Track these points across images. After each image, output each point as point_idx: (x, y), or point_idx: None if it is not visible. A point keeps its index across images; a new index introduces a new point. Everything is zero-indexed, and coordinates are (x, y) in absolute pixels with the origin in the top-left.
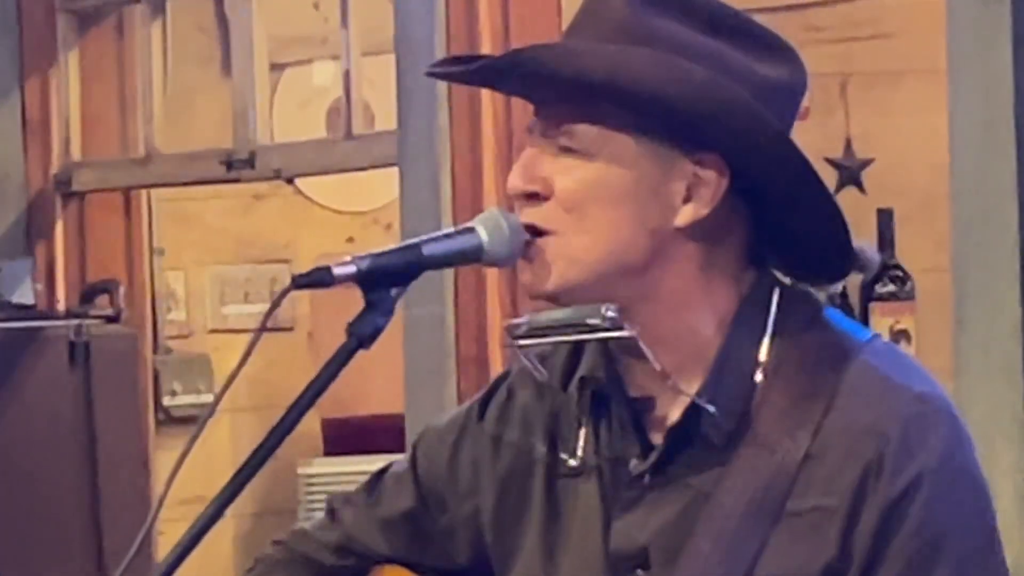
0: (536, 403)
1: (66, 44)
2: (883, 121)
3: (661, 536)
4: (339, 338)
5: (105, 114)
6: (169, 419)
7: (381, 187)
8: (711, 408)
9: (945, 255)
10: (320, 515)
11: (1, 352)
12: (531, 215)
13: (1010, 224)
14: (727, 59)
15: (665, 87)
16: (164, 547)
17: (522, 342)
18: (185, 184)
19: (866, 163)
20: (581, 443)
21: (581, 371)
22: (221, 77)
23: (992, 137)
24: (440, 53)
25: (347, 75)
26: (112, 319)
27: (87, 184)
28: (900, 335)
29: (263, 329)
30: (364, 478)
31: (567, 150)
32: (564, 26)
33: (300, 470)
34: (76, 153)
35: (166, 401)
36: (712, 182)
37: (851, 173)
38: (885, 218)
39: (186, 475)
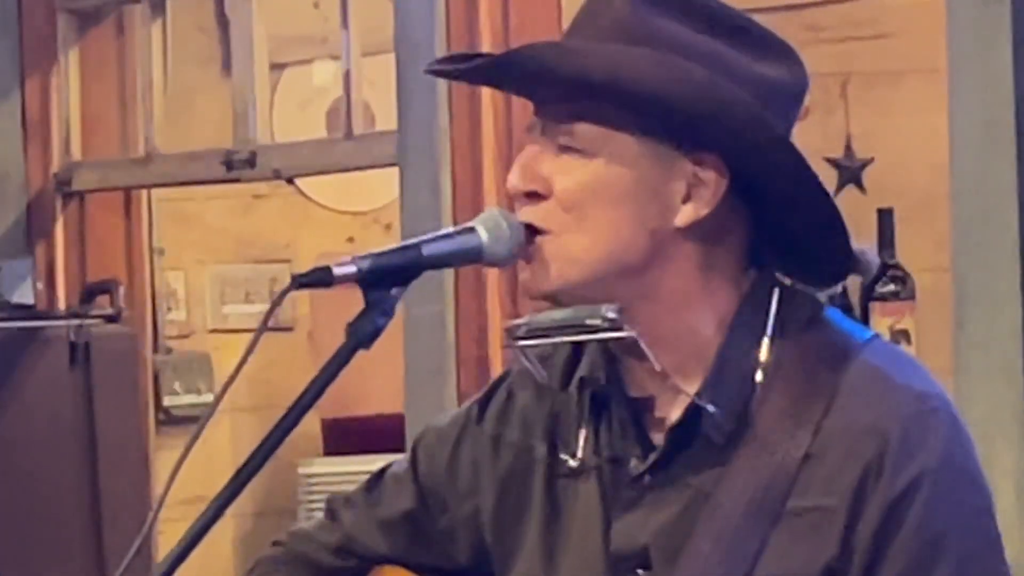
0: (536, 403)
1: (66, 44)
2: (883, 121)
3: (661, 536)
4: (339, 338)
5: (105, 114)
6: (169, 419)
7: (381, 187)
8: (711, 408)
9: (945, 255)
10: (320, 515)
11: (1, 352)
12: (530, 214)
13: (1010, 224)
14: (727, 59)
15: (665, 87)
16: (164, 547)
17: (522, 343)
18: (185, 184)
19: (866, 163)
20: (581, 443)
21: (581, 371)
22: (221, 77)
23: (992, 137)
24: (440, 53)
25: (347, 75)
26: (112, 319)
27: (87, 184)
28: (900, 335)
29: (263, 329)
30: (364, 478)
31: (567, 149)
32: (564, 26)
33: (300, 470)
34: (76, 153)
35: (166, 401)
36: (712, 182)
37: (851, 173)
38: (885, 218)
39: (186, 475)
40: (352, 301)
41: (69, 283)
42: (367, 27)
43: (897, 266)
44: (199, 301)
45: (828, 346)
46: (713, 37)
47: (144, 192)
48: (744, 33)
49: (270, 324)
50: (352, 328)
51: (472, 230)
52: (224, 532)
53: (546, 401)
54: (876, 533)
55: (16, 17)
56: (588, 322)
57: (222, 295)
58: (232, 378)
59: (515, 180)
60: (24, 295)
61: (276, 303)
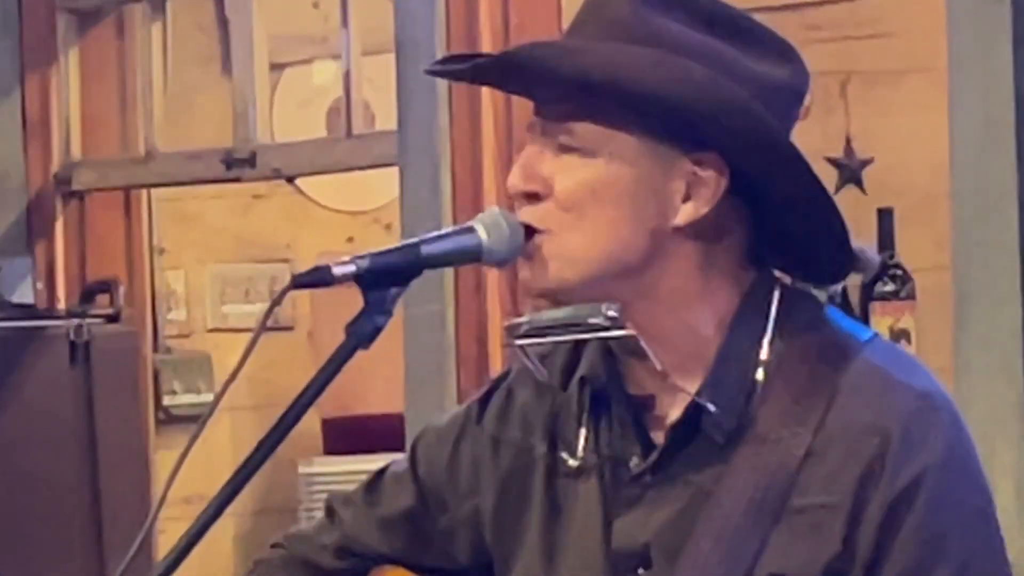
0: (536, 402)
1: (66, 44)
2: (883, 121)
3: (662, 535)
4: (339, 338)
5: (105, 114)
6: (169, 419)
7: (381, 187)
8: (712, 407)
9: (945, 255)
10: (320, 515)
11: (1, 352)
12: (530, 214)
13: (1010, 224)
14: (727, 58)
15: (665, 86)
16: (164, 547)
17: (522, 341)
18: (185, 183)
19: (866, 163)
20: (581, 442)
21: (581, 370)
22: (221, 77)
23: (992, 137)
24: (440, 53)
25: (347, 75)
26: (112, 318)
27: (87, 183)
28: (900, 335)
29: (263, 328)
30: (364, 478)
31: (567, 148)
32: (564, 26)
33: (300, 469)
34: (76, 152)
35: (166, 400)
36: (711, 181)
37: (851, 173)
38: (885, 218)
39: (186, 474)
40: (352, 301)
41: (69, 283)
42: (367, 27)
43: (897, 265)
44: (199, 300)
45: (828, 345)
46: (713, 36)
47: (144, 191)
48: (744, 32)
49: (270, 323)
50: (352, 328)
51: (472, 230)
52: (224, 530)
53: (546, 400)
54: (878, 531)
55: (16, 17)
56: (589, 321)
57: (222, 295)
58: (232, 377)
59: (515, 180)
60: (24, 295)
61: (276, 302)
